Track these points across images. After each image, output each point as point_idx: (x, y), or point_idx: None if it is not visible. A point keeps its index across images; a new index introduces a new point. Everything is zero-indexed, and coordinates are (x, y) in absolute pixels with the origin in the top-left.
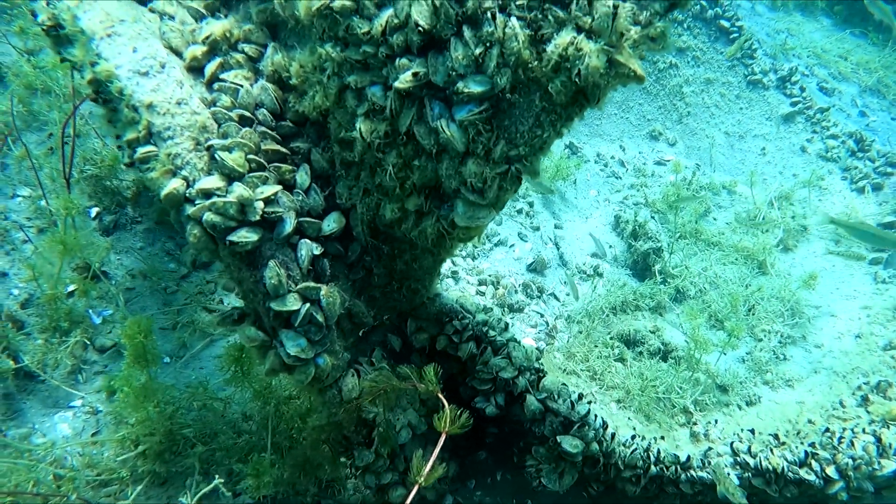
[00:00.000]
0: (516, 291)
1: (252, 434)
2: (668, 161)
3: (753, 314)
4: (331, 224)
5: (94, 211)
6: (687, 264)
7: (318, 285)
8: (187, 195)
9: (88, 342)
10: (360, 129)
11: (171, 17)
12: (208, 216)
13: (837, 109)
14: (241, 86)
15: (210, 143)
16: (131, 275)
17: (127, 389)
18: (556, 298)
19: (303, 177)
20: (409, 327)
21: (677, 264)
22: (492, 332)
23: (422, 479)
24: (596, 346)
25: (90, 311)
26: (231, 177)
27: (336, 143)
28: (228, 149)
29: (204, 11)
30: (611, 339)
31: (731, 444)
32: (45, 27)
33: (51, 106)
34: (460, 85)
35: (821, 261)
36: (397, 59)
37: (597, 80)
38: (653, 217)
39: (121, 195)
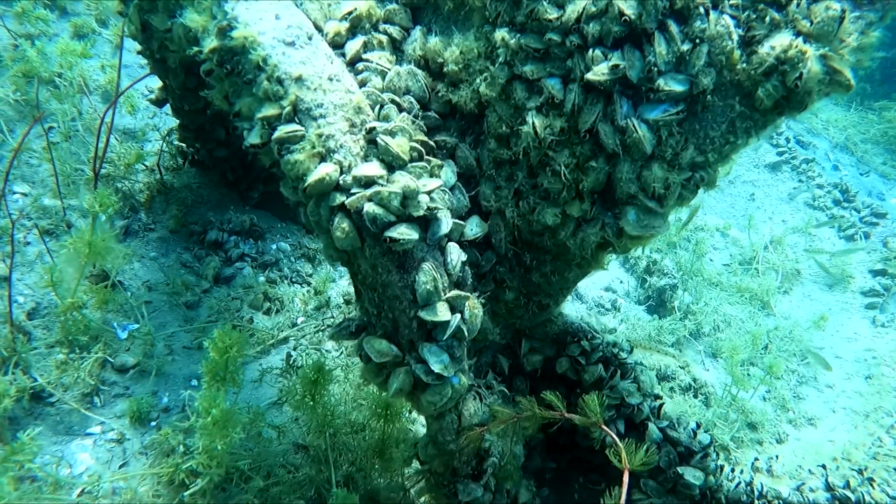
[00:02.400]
0: None
1: (309, 466)
2: None
3: (769, 353)
4: (474, 228)
5: (104, 215)
6: (706, 300)
7: (467, 295)
8: (340, 182)
9: (110, 360)
10: (532, 123)
11: None
12: (370, 207)
13: (815, 162)
14: (389, 69)
15: (371, 125)
16: (148, 286)
17: (215, 412)
18: None
19: (448, 174)
20: (523, 348)
21: (694, 301)
22: (622, 354)
23: None
24: None
25: (115, 324)
26: (392, 165)
27: (493, 138)
28: (391, 133)
29: None
30: None
31: (826, 478)
32: None
33: (57, 97)
34: (661, 82)
35: (817, 304)
36: (590, 51)
37: (812, 87)
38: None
39: (134, 199)
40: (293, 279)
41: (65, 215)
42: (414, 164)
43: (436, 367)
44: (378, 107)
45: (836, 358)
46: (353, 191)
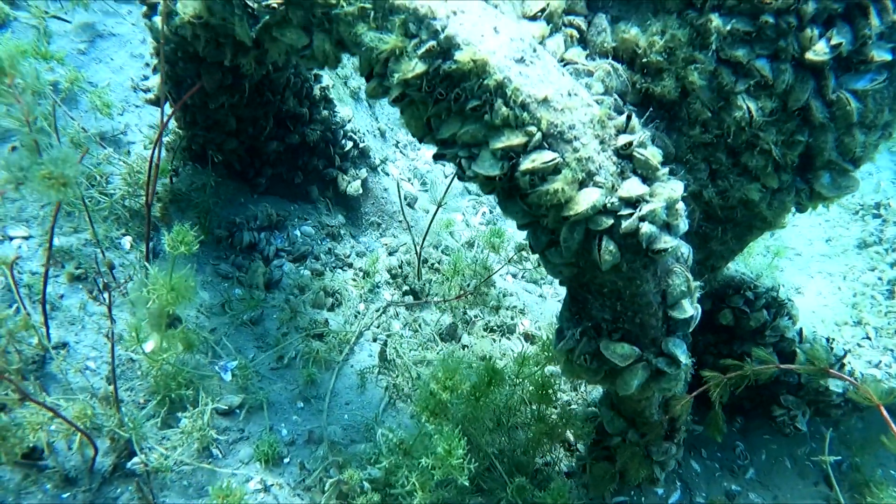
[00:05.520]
0: None
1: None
2: None
3: None
4: None
5: (127, 241)
6: None
7: (700, 284)
8: (607, 205)
9: (218, 405)
10: (747, 107)
11: None
12: (646, 228)
13: None
14: (593, 69)
15: (625, 139)
16: (204, 312)
17: (460, 451)
18: None
19: None
20: None
21: None
22: (780, 296)
23: None
24: None
25: (215, 367)
26: (646, 176)
27: (698, 124)
28: (643, 144)
29: None
30: None
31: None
32: (264, 5)
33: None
34: (874, 53)
35: None
36: (806, 30)
37: None
38: None
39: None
40: (333, 265)
41: (104, 255)
42: (662, 170)
43: (683, 358)
44: (625, 117)
45: (793, 227)
46: (621, 212)
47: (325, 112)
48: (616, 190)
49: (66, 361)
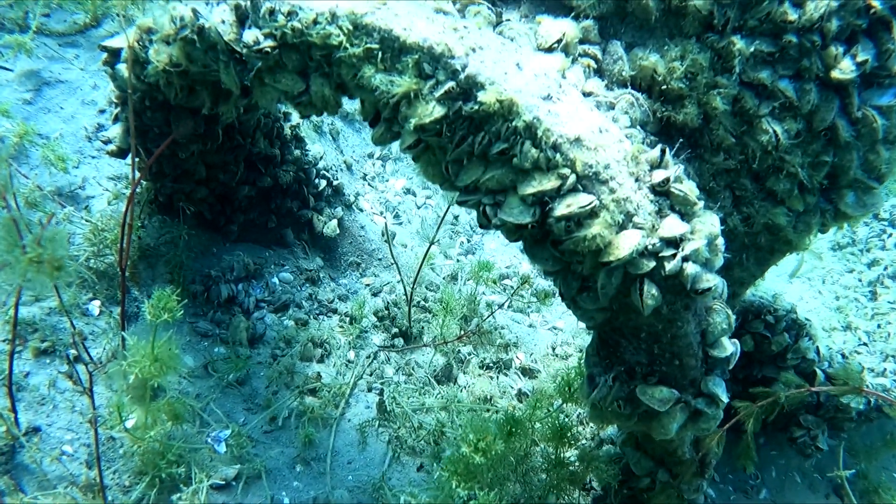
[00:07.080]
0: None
1: None
2: None
3: None
4: None
5: (95, 306)
6: None
7: (733, 316)
8: (648, 247)
9: (218, 480)
10: (773, 131)
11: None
12: (690, 268)
13: None
14: (613, 101)
15: (661, 174)
16: (186, 377)
17: None
18: None
19: None
20: None
21: None
22: (801, 319)
23: None
24: None
25: (207, 439)
26: (683, 213)
27: (722, 150)
28: (680, 179)
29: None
30: None
31: None
32: (255, 50)
33: None
34: None
35: None
36: (831, 48)
37: None
38: None
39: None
40: (317, 312)
41: (73, 326)
42: (698, 205)
43: (723, 397)
44: (659, 151)
45: None
46: (662, 253)
47: (297, 151)
48: (656, 230)
49: (39, 449)
